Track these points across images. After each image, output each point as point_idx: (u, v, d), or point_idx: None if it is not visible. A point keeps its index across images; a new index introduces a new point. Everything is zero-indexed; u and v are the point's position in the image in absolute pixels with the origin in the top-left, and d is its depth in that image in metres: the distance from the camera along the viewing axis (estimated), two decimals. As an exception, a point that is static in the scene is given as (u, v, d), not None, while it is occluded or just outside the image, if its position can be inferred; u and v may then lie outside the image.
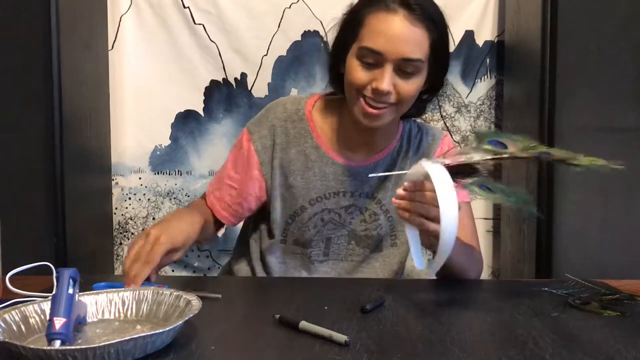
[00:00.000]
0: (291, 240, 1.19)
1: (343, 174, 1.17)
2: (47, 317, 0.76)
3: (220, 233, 1.21)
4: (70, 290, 0.72)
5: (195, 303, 0.76)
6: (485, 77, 2.00)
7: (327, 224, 1.18)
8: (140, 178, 1.99)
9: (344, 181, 1.17)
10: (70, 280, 0.73)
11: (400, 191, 0.94)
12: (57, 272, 0.73)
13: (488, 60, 1.99)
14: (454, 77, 1.99)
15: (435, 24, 1.03)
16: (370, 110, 1.04)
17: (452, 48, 1.96)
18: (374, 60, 1.02)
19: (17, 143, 1.57)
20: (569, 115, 1.60)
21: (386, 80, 1.01)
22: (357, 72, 1.04)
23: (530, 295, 0.96)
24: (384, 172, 1.15)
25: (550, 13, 1.59)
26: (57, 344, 0.68)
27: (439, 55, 1.07)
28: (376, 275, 1.22)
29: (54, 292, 0.72)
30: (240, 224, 1.30)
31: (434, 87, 1.13)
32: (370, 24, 1.02)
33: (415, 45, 1.01)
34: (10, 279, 0.92)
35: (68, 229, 1.61)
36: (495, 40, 1.99)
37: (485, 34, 1.99)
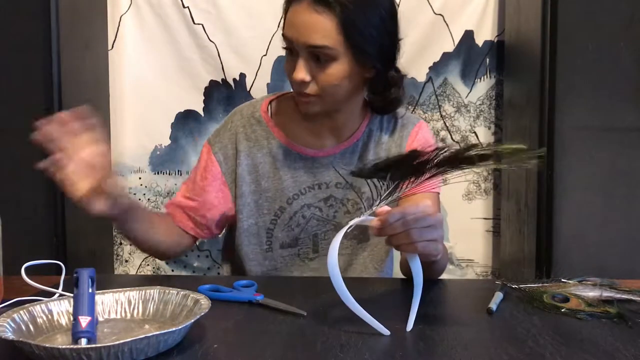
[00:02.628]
0: (277, 245, 1.19)
1: (313, 166, 1.17)
2: (55, 317, 0.76)
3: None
4: (90, 290, 0.73)
5: (205, 302, 0.76)
6: (485, 77, 2.00)
7: (309, 221, 1.18)
8: (140, 178, 1.99)
9: (316, 173, 1.17)
10: (89, 280, 0.74)
11: (397, 225, 0.77)
12: (76, 272, 0.74)
13: (488, 60, 1.99)
14: (453, 77, 1.99)
15: (347, 8, 0.99)
16: (301, 99, 1.08)
17: (451, 48, 1.99)
18: (291, 48, 1.05)
19: (17, 143, 1.57)
20: (569, 115, 1.59)
21: (298, 68, 1.03)
22: (286, 62, 1.08)
23: (529, 294, 0.96)
24: (357, 159, 1.17)
25: (550, 13, 1.59)
26: (83, 342, 0.69)
27: (359, 39, 1.02)
28: (365, 266, 1.22)
29: (75, 292, 0.73)
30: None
31: (382, 75, 1.09)
32: (287, 15, 1.06)
33: (318, 31, 1.00)
34: (11, 278, 0.92)
35: (68, 229, 1.61)
36: (495, 40, 1.99)
37: (485, 33, 1.99)
